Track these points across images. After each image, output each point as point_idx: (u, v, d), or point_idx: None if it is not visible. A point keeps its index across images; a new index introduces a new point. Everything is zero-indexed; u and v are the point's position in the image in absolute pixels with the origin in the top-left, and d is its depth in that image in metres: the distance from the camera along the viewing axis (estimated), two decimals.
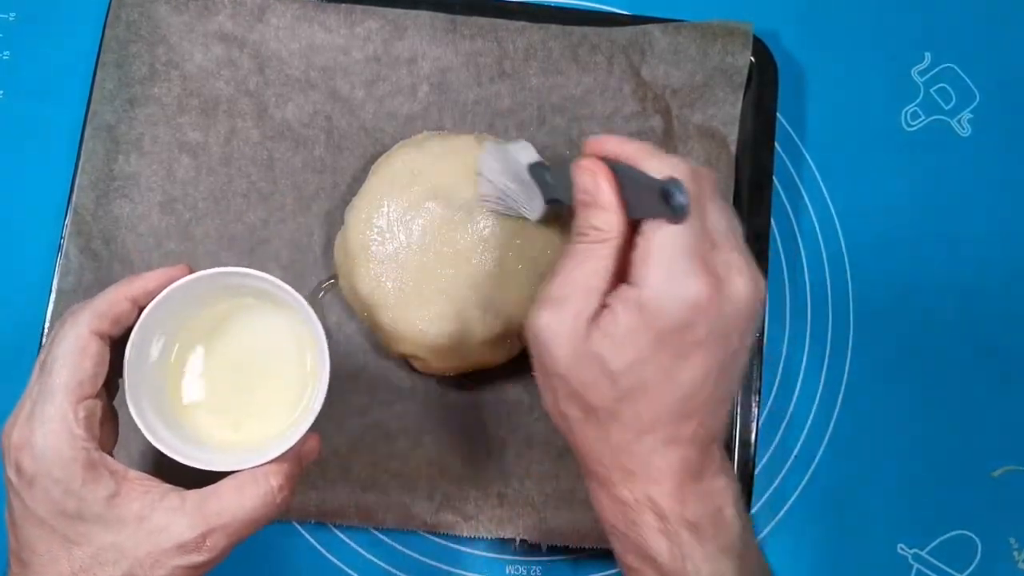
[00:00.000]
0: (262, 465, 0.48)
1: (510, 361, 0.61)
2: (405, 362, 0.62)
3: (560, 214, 0.57)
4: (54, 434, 0.44)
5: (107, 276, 0.62)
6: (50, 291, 0.62)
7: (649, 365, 0.43)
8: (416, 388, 0.63)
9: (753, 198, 0.64)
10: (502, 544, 0.62)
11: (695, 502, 0.44)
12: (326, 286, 0.63)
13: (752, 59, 0.65)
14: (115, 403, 0.50)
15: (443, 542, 0.63)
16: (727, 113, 0.65)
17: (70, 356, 0.45)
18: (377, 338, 0.61)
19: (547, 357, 0.45)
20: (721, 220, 0.45)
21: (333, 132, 0.65)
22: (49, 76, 0.67)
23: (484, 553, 0.63)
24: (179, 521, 0.45)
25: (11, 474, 0.45)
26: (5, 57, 0.68)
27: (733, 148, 0.64)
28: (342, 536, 0.63)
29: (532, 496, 0.61)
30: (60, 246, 0.62)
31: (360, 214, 0.60)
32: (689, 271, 0.42)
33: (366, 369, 0.63)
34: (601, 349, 0.43)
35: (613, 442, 0.45)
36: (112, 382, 0.48)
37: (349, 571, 0.62)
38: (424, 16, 0.65)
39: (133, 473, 0.46)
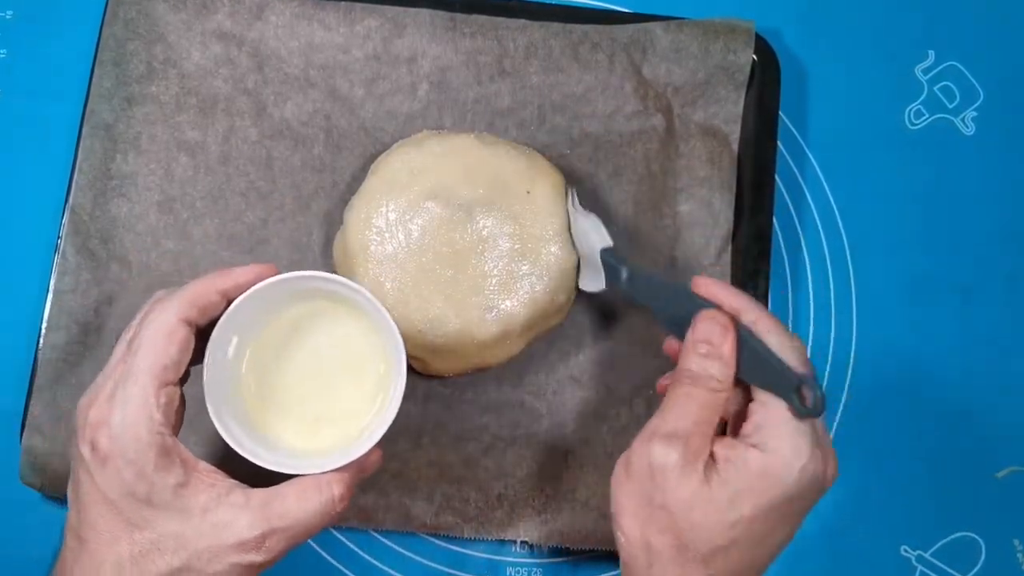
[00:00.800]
0: (326, 473, 0.48)
1: (510, 362, 0.61)
2: None
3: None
4: (133, 416, 0.44)
5: (104, 276, 0.62)
6: (47, 291, 0.61)
7: (757, 523, 0.46)
8: (415, 389, 0.62)
9: (755, 197, 0.64)
10: (502, 545, 0.62)
11: None
12: None
13: (754, 57, 0.65)
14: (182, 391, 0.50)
15: (443, 544, 0.62)
16: (729, 111, 0.64)
17: (156, 342, 0.46)
18: None
19: (660, 490, 0.46)
20: None
21: (332, 131, 0.64)
22: (47, 75, 0.67)
23: (484, 555, 0.62)
24: (242, 519, 0.45)
25: (85, 450, 0.45)
26: (2, 56, 0.67)
27: (735, 146, 0.64)
28: (341, 537, 0.62)
29: (533, 497, 0.61)
30: (57, 246, 0.62)
31: (359, 214, 0.59)
32: (810, 449, 0.46)
33: None
34: (720, 497, 0.45)
35: None
36: (186, 370, 0.49)
37: (348, 573, 0.62)
38: (424, 14, 0.64)
39: (203, 465, 0.46)
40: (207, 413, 0.47)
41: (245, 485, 0.47)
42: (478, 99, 0.65)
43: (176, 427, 0.48)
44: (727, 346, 0.48)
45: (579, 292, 0.61)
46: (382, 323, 0.49)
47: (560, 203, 0.60)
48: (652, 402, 0.62)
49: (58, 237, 0.62)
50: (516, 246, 0.59)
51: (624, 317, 0.63)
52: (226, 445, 0.48)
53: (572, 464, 0.62)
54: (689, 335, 0.49)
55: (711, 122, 0.64)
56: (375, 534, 0.62)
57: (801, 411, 0.46)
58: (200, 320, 0.48)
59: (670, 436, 0.47)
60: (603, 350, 0.63)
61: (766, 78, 0.65)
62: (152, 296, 0.50)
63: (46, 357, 0.61)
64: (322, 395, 0.52)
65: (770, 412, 0.46)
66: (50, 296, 0.61)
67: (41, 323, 0.61)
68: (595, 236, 0.57)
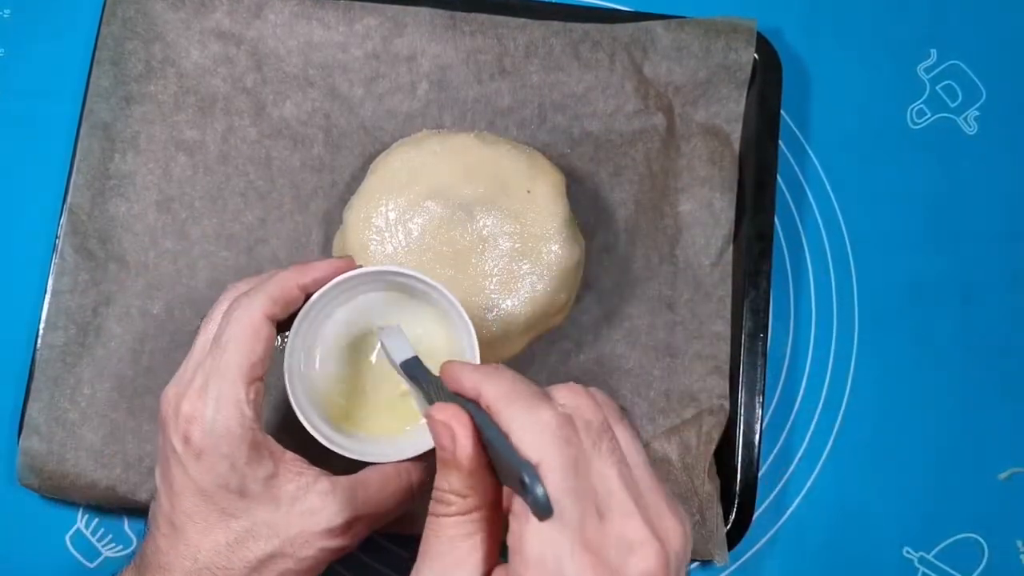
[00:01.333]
0: (404, 461, 0.50)
1: (511, 362, 0.60)
2: None
3: None
4: (226, 412, 0.46)
5: (102, 276, 0.61)
6: (45, 291, 0.61)
7: None
8: None
9: (757, 196, 0.64)
10: None
11: None
12: None
13: (756, 56, 0.64)
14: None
15: None
16: (731, 111, 0.64)
17: (245, 339, 0.47)
18: None
19: None
20: (609, 474, 0.38)
21: (332, 130, 0.64)
22: (44, 74, 0.67)
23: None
24: (330, 506, 0.47)
25: (178, 444, 0.46)
26: (0, 54, 0.67)
27: (737, 146, 0.64)
28: None
29: None
30: (55, 246, 0.61)
31: (359, 214, 0.59)
32: (572, 569, 0.36)
33: None
34: None
35: None
36: None
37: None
38: (424, 12, 0.64)
39: (289, 455, 0.48)
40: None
41: (328, 472, 0.49)
42: (478, 98, 0.64)
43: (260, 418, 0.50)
44: (461, 446, 0.39)
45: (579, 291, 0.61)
46: (455, 315, 0.51)
47: (561, 202, 0.59)
48: (653, 403, 0.62)
49: (56, 237, 0.61)
50: (517, 245, 0.58)
51: (626, 317, 0.63)
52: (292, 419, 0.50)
53: None
54: None
55: (712, 121, 0.64)
56: (377, 538, 0.62)
57: (533, 509, 0.36)
58: (281, 315, 0.49)
59: None
60: (604, 350, 0.63)
61: (768, 77, 0.65)
62: (227, 288, 0.51)
63: (44, 357, 0.60)
64: (396, 382, 0.53)
65: (521, 529, 0.37)
66: (48, 296, 0.61)
67: (39, 323, 0.60)
68: (397, 354, 0.49)
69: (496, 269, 0.58)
